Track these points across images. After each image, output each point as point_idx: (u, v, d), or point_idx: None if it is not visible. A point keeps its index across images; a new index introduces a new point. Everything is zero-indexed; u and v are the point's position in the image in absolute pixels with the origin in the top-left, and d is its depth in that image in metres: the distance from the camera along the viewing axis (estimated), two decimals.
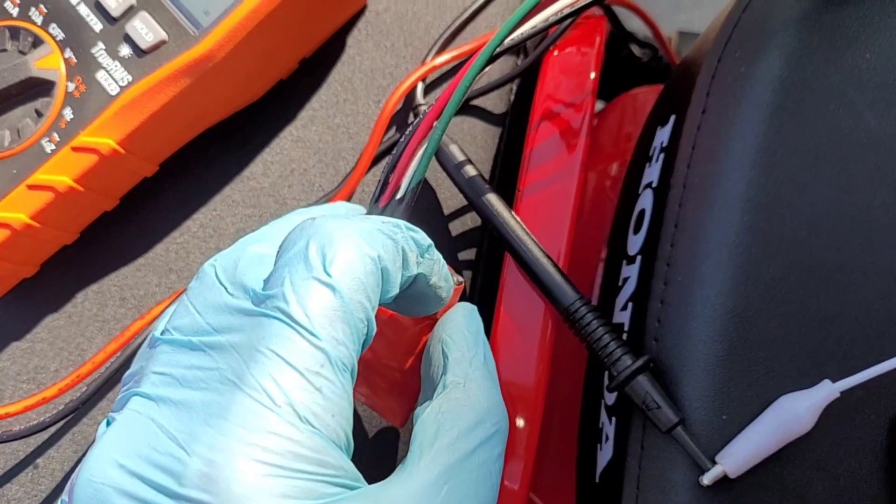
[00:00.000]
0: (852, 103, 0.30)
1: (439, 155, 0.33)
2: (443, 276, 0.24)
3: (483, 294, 0.35)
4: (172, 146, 0.33)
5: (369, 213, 0.27)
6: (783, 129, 0.29)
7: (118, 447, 0.19)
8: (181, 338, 0.20)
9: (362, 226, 0.21)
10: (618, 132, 0.49)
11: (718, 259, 0.29)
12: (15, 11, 0.32)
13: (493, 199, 0.31)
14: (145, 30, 0.31)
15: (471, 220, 0.36)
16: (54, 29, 0.32)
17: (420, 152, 0.27)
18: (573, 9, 0.28)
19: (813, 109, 0.30)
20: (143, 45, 0.31)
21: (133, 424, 0.19)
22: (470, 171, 0.32)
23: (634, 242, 0.34)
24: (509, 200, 0.33)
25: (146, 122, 0.31)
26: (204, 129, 0.34)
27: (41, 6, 0.32)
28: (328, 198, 0.34)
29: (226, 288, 0.21)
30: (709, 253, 0.29)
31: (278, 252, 0.21)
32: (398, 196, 0.27)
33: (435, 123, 0.27)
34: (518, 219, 0.31)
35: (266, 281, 0.21)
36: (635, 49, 0.47)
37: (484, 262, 0.35)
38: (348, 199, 0.34)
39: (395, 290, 0.22)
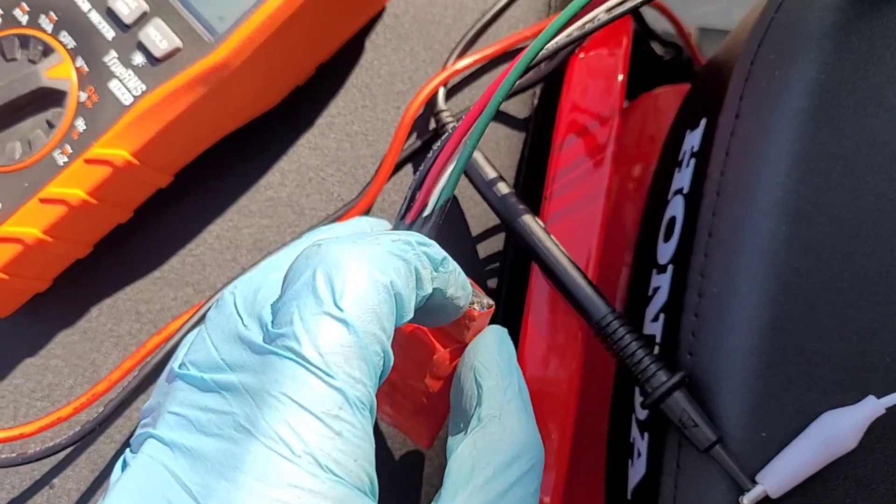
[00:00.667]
0: (892, 106, 0.29)
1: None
2: (459, 284, 0.23)
3: (508, 303, 0.34)
4: (188, 156, 0.32)
5: (395, 228, 0.26)
6: (820, 134, 0.28)
7: (132, 497, 0.18)
8: (196, 374, 0.19)
9: (371, 250, 0.20)
10: (640, 133, 0.48)
11: (755, 269, 0.28)
12: (24, 19, 0.31)
13: (521, 209, 0.30)
14: (159, 37, 0.30)
15: (494, 225, 0.34)
16: (65, 37, 0.31)
17: (449, 169, 0.26)
18: (610, 16, 0.27)
19: (851, 114, 0.29)
20: (157, 53, 0.30)
21: (147, 472, 0.18)
22: (492, 175, 0.31)
23: (665, 251, 0.32)
24: (535, 208, 0.32)
25: (161, 132, 0.30)
26: (220, 138, 0.33)
27: (51, 13, 0.31)
28: (348, 208, 0.33)
29: (242, 319, 0.20)
30: (745, 263, 0.28)
31: (284, 282, 0.20)
32: (425, 213, 0.26)
33: (465, 139, 0.26)
34: (546, 229, 0.30)
35: (274, 315, 0.20)
36: (657, 48, 0.46)
37: (509, 270, 0.34)
38: (368, 208, 0.33)
39: (411, 315, 0.21)
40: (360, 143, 0.34)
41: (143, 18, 0.30)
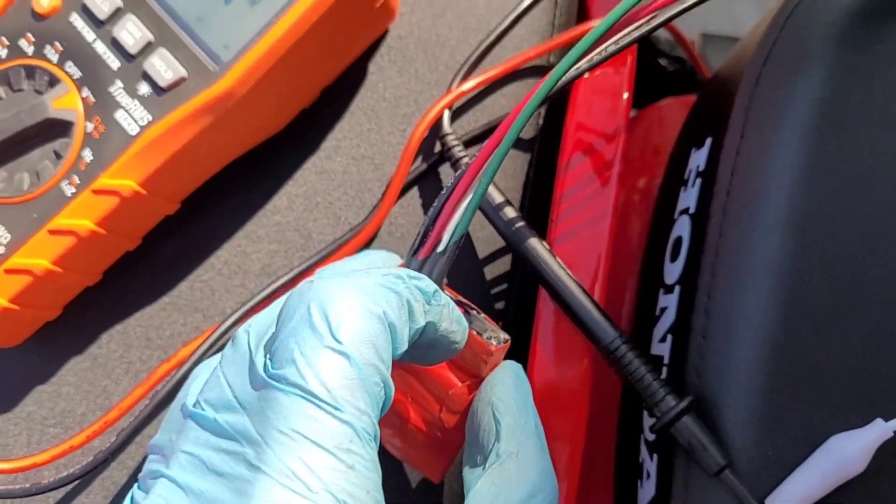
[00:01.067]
0: None
1: None
2: (454, 319, 0.23)
3: (515, 325, 0.34)
4: (194, 183, 0.33)
5: (407, 264, 0.26)
6: (825, 151, 0.28)
7: None
8: (210, 414, 0.20)
9: (363, 282, 0.20)
10: (645, 145, 0.48)
11: (761, 289, 0.28)
12: (30, 49, 0.31)
13: (527, 233, 0.30)
14: (164, 67, 0.30)
15: (501, 247, 0.35)
16: (71, 67, 0.31)
17: (463, 205, 0.26)
18: (618, 46, 0.27)
19: (855, 130, 0.29)
20: (163, 83, 0.30)
21: None
22: (499, 200, 0.31)
23: (672, 271, 0.33)
24: (541, 229, 0.32)
25: (167, 161, 0.30)
26: (226, 164, 0.33)
27: (56, 44, 0.31)
28: (355, 231, 0.33)
29: (253, 359, 0.20)
30: (751, 283, 0.28)
31: (278, 320, 0.20)
32: (439, 249, 0.26)
33: (479, 176, 0.26)
34: (553, 252, 0.30)
35: (272, 353, 0.20)
36: (662, 61, 0.46)
37: (516, 293, 0.34)
38: (375, 232, 0.33)
39: (405, 346, 0.21)
40: (367, 167, 0.34)
41: (147, 48, 0.30)
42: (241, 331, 0.21)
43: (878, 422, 0.27)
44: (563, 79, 0.25)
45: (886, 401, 0.27)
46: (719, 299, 0.29)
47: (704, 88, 0.40)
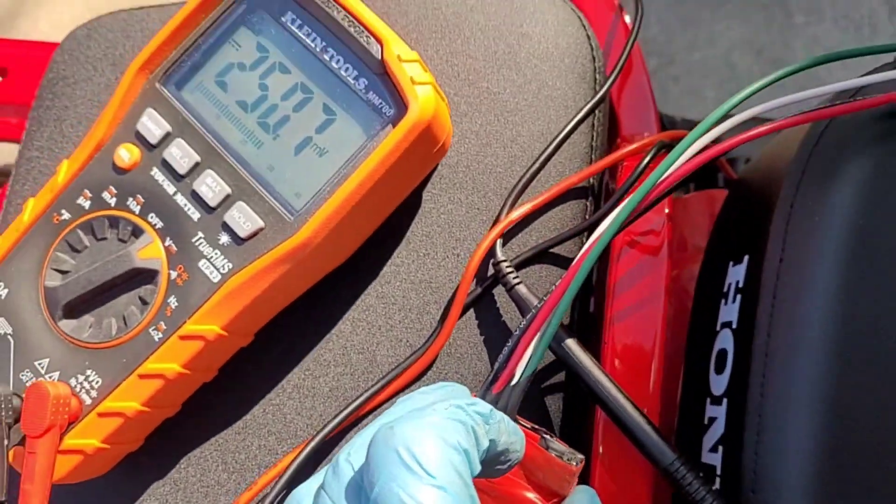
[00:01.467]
0: None
1: (523, 310, 0.34)
2: (511, 431, 0.26)
3: (568, 437, 0.36)
4: (268, 317, 0.35)
5: (483, 397, 0.29)
6: (861, 276, 0.31)
7: None
8: None
9: (434, 420, 0.23)
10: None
11: (808, 407, 0.30)
12: (112, 201, 0.34)
13: (581, 354, 0.33)
14: (243, 218, 0.32)
15: (551, 359, 0.37)
16: (153, 218, 0.33)
17: (534, 343, 0.29)
18: (661, 193, 0.29)
19: (889, 250, 0.31)
20: (242, 234, 0.32)
21: None
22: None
23: (718, 383, 0.35)
24: (591, 346, 0.34)
25: (248, 305, 0.32)
26: (303, 292, 0.35)
27: (139, 196, 0.34)
28: (418, 355, 0.35)
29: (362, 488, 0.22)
30: (798, 402, 0.30)
31: (367, 468, 0.23)
32: (512, 383, 0.29)
33: (549, 318, 0.28)
34: (607, 373, 0.33)
35: (376, 498, 0.22)
36: None
37: (567, 406, 0.36)
38: (437, 354, 0.36)
39: (479, 468, 0.24)
40: (425, 290, 0.37)
41: (226, 200, 0.33)
42: (342, 459, 0.24)
43: None
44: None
45: None
46: (769, 418, 0.31)
47: (733, 195, 0.43)
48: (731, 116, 0.35)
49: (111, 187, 0.34)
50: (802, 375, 0.31)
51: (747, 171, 0.43)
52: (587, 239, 0.38)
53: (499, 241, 0.36)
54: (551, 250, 0.37)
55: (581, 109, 0.38)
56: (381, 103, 0.33)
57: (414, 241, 0.37)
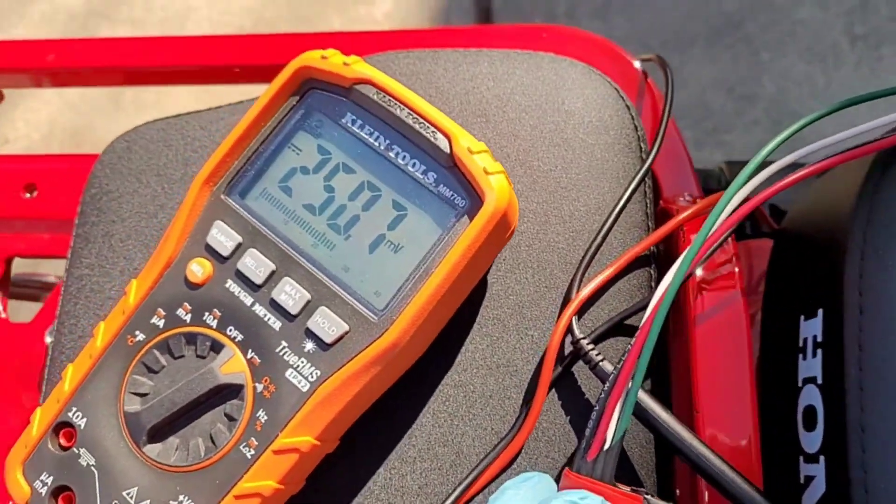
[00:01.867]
0: None
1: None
2: None
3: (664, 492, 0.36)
4: (354, 420, 0.34)
5: (577, 468, 0.30)
6: None
7: None
8: None
9: None
10: None
11: None
12: (188, 318, 0.33)
13: (685, 433, 0.33)
14: (326, 323, 0.32)
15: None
16: (232, 331, 0.33)
17: (618, 406, 0.30)
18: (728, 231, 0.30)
19: None
20: (328, 339, 0.32)
21: None
22: (651, 404, 0.33)
23: (811, 440, 0.35)
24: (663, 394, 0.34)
25: (341, 411, 0.32)
26: (385, 390, 0.34)
27: (215, 310, 0.33)
28: (507, 442, 0.35)
29: None
30: None
31: None
32: (606, 447, 0.30)
33: (629, 380, 0.29)
34: (707, 444, 0.32)
35: None
36: None
37: (659, 463, 0.36)
38: (525, 440, 0.35)
39: None
40: (503, 374, 0.36)
41: (307, 307, 0.32)
42: None
43: None
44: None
45: None
46: (874, 474, 0.31)
47: (782, 245, 0.44)
48: (767, 165, 0.36)
49: (185, 303, 0.33)
50: None
51: (793, 219, 0.44)
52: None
53: (574, 319, 0.36)
54: (626, 321, 0.37)
55: (633, 179, 0.39)
56: (452, 195, 0.33)
57: (486, 326, 0.37)
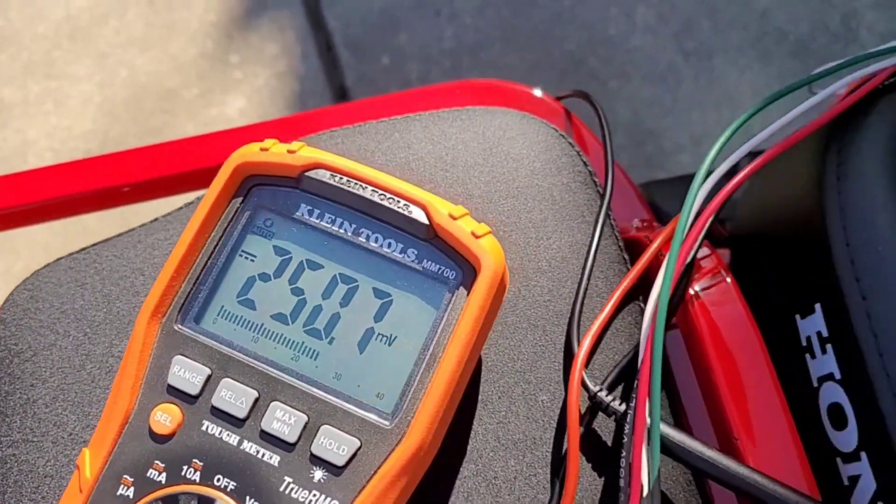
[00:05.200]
0: None
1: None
2: None
3: None
4: None
5: None
6: None
7: None
8: None
9: None
10: None
11: None
12: (162, 478, 0.28)
13: (731, 463, 0.30)
14: (334, 444, 0.28)
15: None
16: (220, 481, 0.28)
17: (644, 447, 0.29)
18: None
19: None
20: (339, 462, 0.28)
21: None
22: (695, 446, 0.31)
23: (845, 439, 0.34)
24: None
25: None
26: None
27: (195, 461, 0.28)
28: None
29: None
30: None
31: None
32: (645, 493, 0.29)
33: (647, 416, 0.27)
34: (759, 471, 0.31)
35: None
36: None
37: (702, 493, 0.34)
38: None
39: None
40: (522, 451, 0.33)
41: (306, 430, 0.28)
42: None
43: None
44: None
45: None
46: None
47: (745, 250, 0.44)
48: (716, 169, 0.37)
49: (156, 462, 0.28)
50: None
51: (744, 223, 0.44)
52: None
53: (585, 374, 0.33)
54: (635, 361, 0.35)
55: (598, 214, 0.37)
56: (440, 269, 0.30)
57: (490, 403, 0.34)
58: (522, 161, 0.38)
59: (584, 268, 0.36)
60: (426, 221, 0.30)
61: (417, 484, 0.30)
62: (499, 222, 0.37)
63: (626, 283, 0.35)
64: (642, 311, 0.37)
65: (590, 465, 0.33)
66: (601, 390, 0.33)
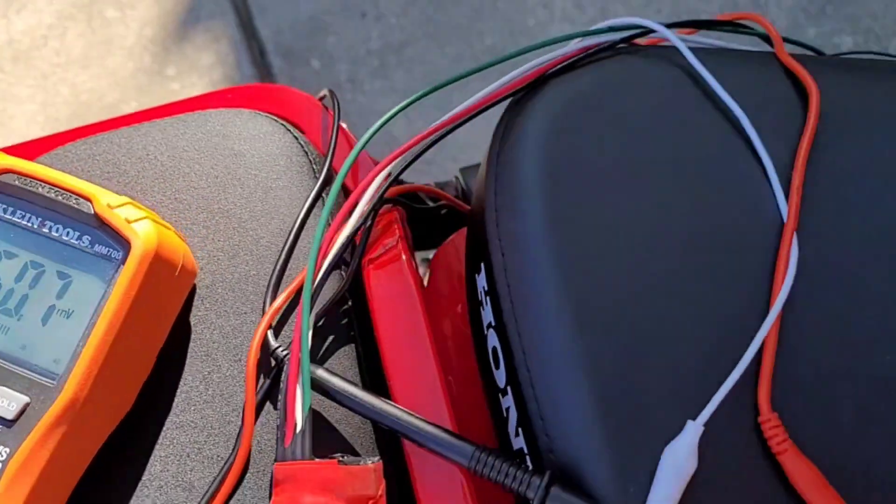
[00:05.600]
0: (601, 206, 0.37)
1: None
2: None
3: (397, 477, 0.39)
4: (68, 492, 0.35)
5: (280, 455, 0.33)
6: (569, 245, 0.36)
7: None
8: None
9: None
10: (449, 275, 0.55)
11: (565, 360, 0.35)
12: None
13: (374, 401, 0.35)
14: (5, 402, 0.33)
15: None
16: None
17: (299, 388, 0.34)
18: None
19: (575, 220, 0.37)
20: (9, 416, 0.33)
21: None
22: (339, 383, 0.36)
23: (500, 376, 0.38)
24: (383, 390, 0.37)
25: (38, 483, 0.32)
26: (96, 451, 0.35)
27: None
28: (229, 464, 0.37)
29: None
30: (556, 359, 0.35)
31: None
32: (298, 430, 0.33)
33: (299, 371, 0.32)
34: (398, 406, 0.35)
35: None
36: (431, 202, 0.54)
37: (386, 445, 0.39)
38: (246, 458, 0.37)
39: None
40: (220, 404, 0.38)
41: None
42: None
43: (689, 423, 0.33)
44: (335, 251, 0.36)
45: (692, 405, 0.34)
46: (539, 385, 0.35)
47: (468, 221, 0.48)
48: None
49: None
50: (550, 336, 0.35)
51: (472, 202, 0.49)
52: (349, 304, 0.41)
53: (270, 333, 0.38)
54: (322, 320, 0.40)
55: (308, 196, 0.42)
56: (108, 251, 0.35)
57: (195, 364, 0.39)
58: (243, 155, 0.43)
59: (286, 241, 0.41)
60: (91, 211, 0.35)
61: (102, 438, 0.35)
62: (215, 210, 0.42)
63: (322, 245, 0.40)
64: (342, 278, 0.42)
65: (276, 413, 0.38)
66: (279, 347, 0.38)
